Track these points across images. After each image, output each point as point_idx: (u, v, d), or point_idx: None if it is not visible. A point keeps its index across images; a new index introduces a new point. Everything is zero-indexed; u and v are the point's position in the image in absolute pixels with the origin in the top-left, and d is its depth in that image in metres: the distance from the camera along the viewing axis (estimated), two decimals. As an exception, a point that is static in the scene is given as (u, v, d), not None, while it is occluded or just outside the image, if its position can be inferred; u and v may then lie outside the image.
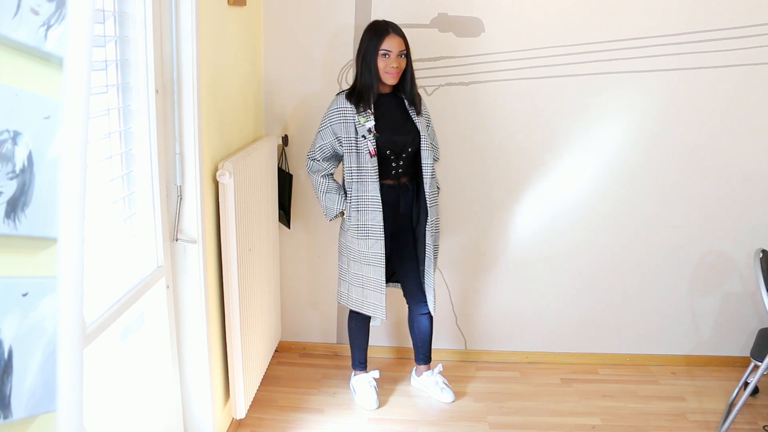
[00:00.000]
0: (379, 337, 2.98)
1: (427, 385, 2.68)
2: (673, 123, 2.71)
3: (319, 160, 2.39)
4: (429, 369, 2.70)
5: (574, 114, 2.70)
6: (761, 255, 2.34)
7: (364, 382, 2.64)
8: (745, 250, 2.84)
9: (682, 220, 2.83)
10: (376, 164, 2.28)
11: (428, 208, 2.37)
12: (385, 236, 2.35)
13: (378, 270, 2.37)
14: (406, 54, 2.25)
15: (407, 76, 2.29)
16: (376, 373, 2.66)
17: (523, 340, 3.02)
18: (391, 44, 2.20)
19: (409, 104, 2.32)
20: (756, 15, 2.56)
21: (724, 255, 2.88)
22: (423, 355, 2.68)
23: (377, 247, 2.35)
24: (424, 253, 2.43)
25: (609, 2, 2.57)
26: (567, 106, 2.69)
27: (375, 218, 2.32)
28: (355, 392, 2.65)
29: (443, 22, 2.60)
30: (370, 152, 2.27)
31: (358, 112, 2.27)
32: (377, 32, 2.22)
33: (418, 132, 2.32)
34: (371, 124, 2.26)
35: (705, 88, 2.65)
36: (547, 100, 2.68)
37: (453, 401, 2.62)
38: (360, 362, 2.68)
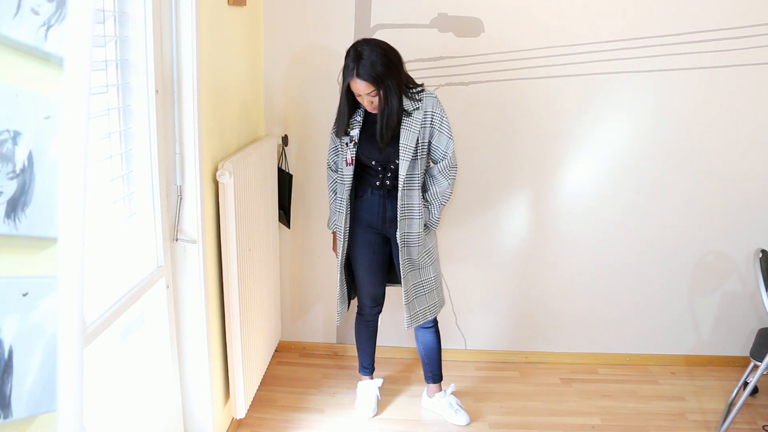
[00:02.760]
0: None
1: (440, 407, 2.56)
2: (673, 123, 2.71)
3: (332, 167, 2.39)
4: (441, 390, 2.58)
5: (574, 114, 2.70)
6: (761, 255, 2.34)
7: (367, 390, 2.61)
8: (744, 250, 2.84)
9: (682, 220, 2.83)
10: (351, 173, 2.24)
11: (398, 220, 2.25)
12: (379, 241, 2.35)
13: (340, 273, 2.38)
14: (377, 92, 2.08)
15: (383, 114, 2.12)
16: (379, 381, 2.63)
17: (523, 340, 3.03)
18: (356, 88, 2.09)
19: (381, 132, 2.15)
20: (756, 15, 2.56)
21: (723, 255, 2.88)
22: (431, 373, 2.56)
23: (341, 248, 2.35)
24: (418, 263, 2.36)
25: (609, 2, 2.57)
26: (567, 106, 2.69)
27: (343, 221, 2.32)
28: (357, 396, 2.64)
29: (443, 22, 2.60)
30: (346, 160, 2.24)
31: (344, 134, 2.25)
32: (346, 69, 2.09)
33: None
34: (355, 133, 2.22)
35: (705, 88, 2.65)
36: (547, 100, 2.68)
37: (468, 424, 2.51)
38: (364, 367, 2.64)
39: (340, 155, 2.31)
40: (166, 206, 1.87)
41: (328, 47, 2.65)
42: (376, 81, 2.06)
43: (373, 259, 2.39)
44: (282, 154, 2.75)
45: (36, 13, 0.84)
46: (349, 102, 2.19)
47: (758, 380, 2.46)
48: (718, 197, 2.79)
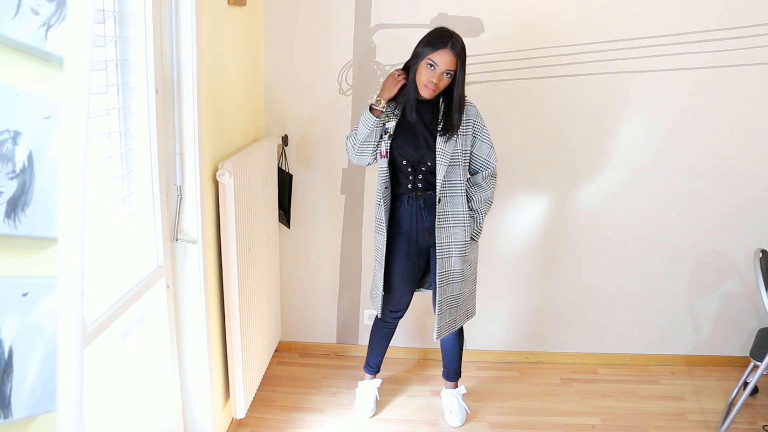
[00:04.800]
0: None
1: (444, 403, 2.60)
2: (673, 123, 2.71)
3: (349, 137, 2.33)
4: (455, 387, 2.61)
5: (573, 114, 2.70)
6: (761, 255, 2.34)
7: (366, 390, 2.61)
8: (745, 250, 2.84)
9: (682, 220, 2.83)
10: (386, 166, 2.19)
11: (437, 228, 2.21)
12: (415, 251, 2.30)
13: (379, 266, 2.33)
14: (454, 76, 2.06)
15: (453, 101, 2.10)
16: (378, 382, 2.63)
17: (523, 340, 3.03)
18: (440, 59, 2.02)
19: (442, 126, 2.14)
20: (756, 15, 2.55)
21: (724, 255, 2.88)
22: (445, 369, 2.60)
23: (380, 241, 2.29)
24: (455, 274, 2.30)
25: (609, 2, 2.57)
26: (566, 107, 2.69)
27: (381, 213, 2.26)
28: (356, 396, 2.64)
29: (443, 22, 2.59)
30: (381, 153, 2.20)
31: (388, 107, 2.17)
32: (435, 39, 2.04)
33: (435, 146, 2.16)
34: (391, 125, 2.17)
35: (704, 88, 2.65)
36: (547, 100, 2.68)
37: (459, 426, 2.51)
38: (370, 365, 2.63)
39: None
40: (166, 206, 1.87)
41: (328, 47, 2.65)
42: (462, 61, 2.04)
43: (406, 269, 2.34)
44: (282, 154, 2.75)
45: (36, 13, 0.84)
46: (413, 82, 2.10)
47: (758, 380, 2.46)
48: (718, 197, 2.79)
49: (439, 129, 2.15)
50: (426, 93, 2.09)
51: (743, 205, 2.80)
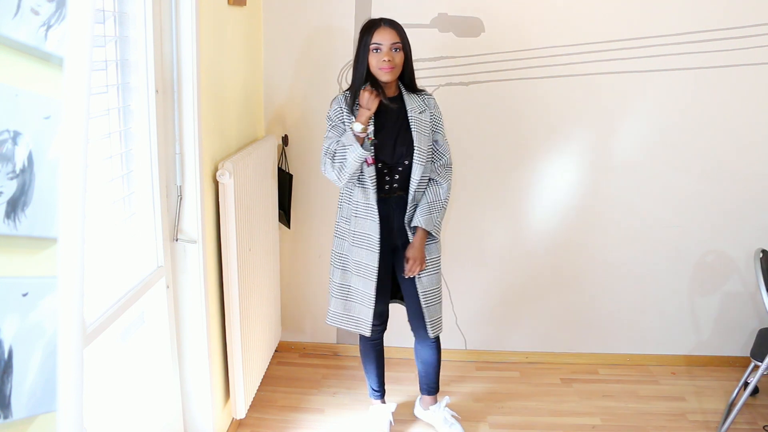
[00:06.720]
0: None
1: (435, 420, 2.45)
2: (673, 123, 2.71)
3: (329, 156, 2.15)
4: (436, 402, 2.48)
5: (574, 114, 2.70)
6: (761, 255, 2.34)
7: (380, 415, 2.47)
8: (745, 250, 2.84)
9: (682, 220, 2.83)
10: (374, 173, 2.10)
11: (409, 225, 2.18)
12: (383, 250, 2.16)
13: (368, 284, 2.17)
14: (402, 48, 2.06)
15: (405, 71, 2.10)
16: (393, 406, 2.48)
17: (523, 340, 3.02)
18: (381, 37, 2.03)
19: (408, 98, 2.12)
20: (757, 15, 2.55)
21: (724, 255, 2.88)
22: (427, 385, 2.45)
23: (370, 259, 2.14)
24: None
25: (609, 2, 2.57)
26: (566, 106, 2.69)
27: (372, 228, 2.13)
28: (369, 418, 2.51)
29: (443, 22, 2.60)
30: (367, 161, 2.07)
31: (352, 115, 2.08)
32: (368, 28, 2.07)
33: (413, 143, 2.10)
34: (370, 130, 2.06)
35: (705, 88, 2.65)
36: (547, 100, 2.68)
37: None
38: (374, 390, 2.48)
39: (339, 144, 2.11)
40: (166, 206, 1.87)
41: (327, 47, 2.65)
42: (402, 33, 2.07)
43: (382, 276, 2.20)
44: (282, 154, 2.75)
45: (36, 13, 0.84)
46: (364, 76, 2.08)
47: (759, 380, 2.46)
48: (718, 197, 2.79)
49: (406, 104, 2.12)
50: (384, 75, 2.05)
51: (743, 205, 2.80)
